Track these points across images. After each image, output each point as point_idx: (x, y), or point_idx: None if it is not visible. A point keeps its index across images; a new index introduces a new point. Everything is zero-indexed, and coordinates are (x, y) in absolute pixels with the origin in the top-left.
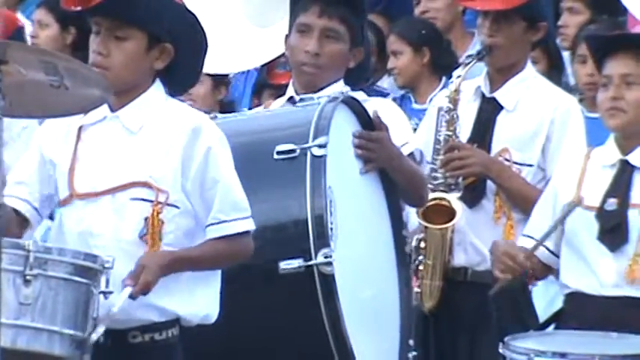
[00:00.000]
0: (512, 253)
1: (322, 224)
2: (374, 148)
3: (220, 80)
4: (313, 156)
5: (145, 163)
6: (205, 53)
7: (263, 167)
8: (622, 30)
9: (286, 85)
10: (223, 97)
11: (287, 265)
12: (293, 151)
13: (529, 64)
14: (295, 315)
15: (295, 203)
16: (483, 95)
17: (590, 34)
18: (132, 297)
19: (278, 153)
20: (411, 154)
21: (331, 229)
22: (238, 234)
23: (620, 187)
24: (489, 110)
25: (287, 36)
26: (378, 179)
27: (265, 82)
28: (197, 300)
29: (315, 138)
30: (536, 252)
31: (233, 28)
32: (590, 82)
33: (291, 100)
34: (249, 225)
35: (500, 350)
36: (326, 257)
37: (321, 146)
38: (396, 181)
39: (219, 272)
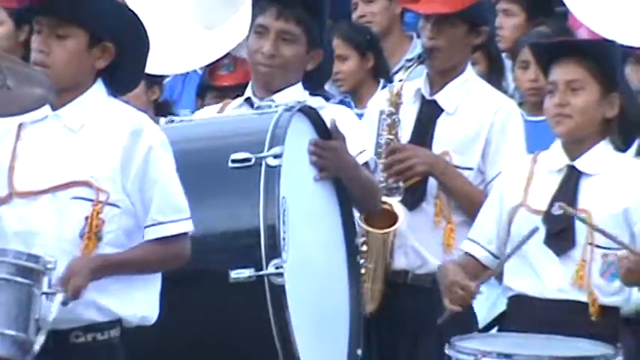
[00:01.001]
0: (462, 284)
1: (274, 235)
2: (329, 156)
3: (153, 80)
4: (268, 166)
5: (85, 163)
6: (147, 53)
7: (218, 175)
8: (568, 34)
9: (229, 87)
10: (157, 98)
11: (238, 274)
12: (248, 159)
13: (469, 67)
14: (244, 324)
15: (248, 213)
16: (423, 97)
17: (534, 41)
18: (64, 303)
19: (233, 161)
20: (366, 163)
21: (284, 238)
22: (175, 236)
23: (567, 192)
24: (429, 113)
25: (248, 37)
26: (333, 187)
27: (208, 84)
28: (135, 301)
29: (270, 147)
30: (478, 256)
31: (176, 29)
32: (532, 87)
33: (248, 100)
34: (188, 227)
35: (447, 351)
36: (277, 268)
37: (276, 156)
38: (351, 190)
39: (158, 274)
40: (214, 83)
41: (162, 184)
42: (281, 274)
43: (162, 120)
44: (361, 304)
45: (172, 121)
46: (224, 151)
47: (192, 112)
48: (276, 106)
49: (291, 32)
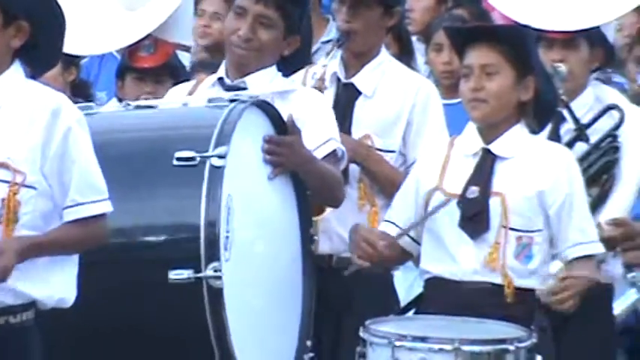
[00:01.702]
0: (371, 240)
1: (214, 237)
2: (284, 153)
3: (70, 61)
4: (212, 166)
5: (3, 144)
6: (64, 33)
7: (162, 171)
8: (484, 18)
9: (150, 69)
10: (74, 79)
11: (176, 274)
12: (192, 159)
13: (383, 49)
14: (181, 324)
15: (190, 213)
16: (339, 81)
17: (449, 24)
18: None
19: (178, 159)
20: (333, 152)
21: (227, 237)
22: (94, 217)
23: (481, 175)
24: (347, 96)
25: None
26: (290, 182)
27: (128, 65)
28: (52, 283)
29: (216, 147)
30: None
31: (98, 9)
32: (446, 70)
33: (220, 80)
34: (106, 207)
35: (361, 334)
36: (215, 271)
37: (220, 157)
38: (308, 184)
39: (75, 255)
40: (134, 65)
41: (81, 165)
42: (219, 277)
43: (117, 103)
44: (313, 296)
45: (128, 105)
46: (170, 146)
47: (110, 94)
48: (230, 99)
49: (269, 17)
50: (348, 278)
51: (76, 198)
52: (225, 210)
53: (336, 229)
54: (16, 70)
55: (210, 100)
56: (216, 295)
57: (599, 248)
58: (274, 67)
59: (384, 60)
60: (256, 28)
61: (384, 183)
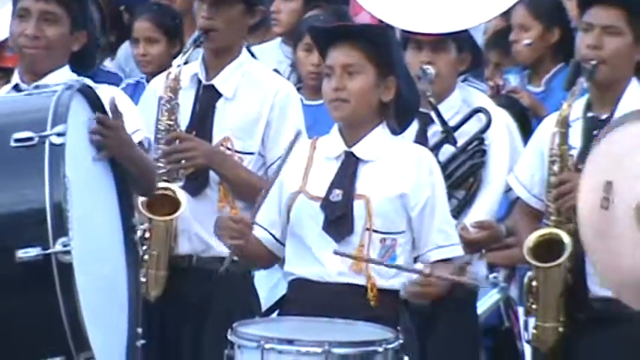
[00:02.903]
0: (236, 218)
1: (61, 213)
2: (109, 135)
3: None
4: (52, 144)
5: None
6: None
7: (0, 154)
8: (345, 19)
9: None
10: None
11: (24, 253)
12: (31, 139)
13: (244, 50)
14: (30, 304)
15: (34, 192)
16: (200, 82)
17: (312, 24)
18: None
19: (16, 141)
20: (141, 142)
21: (68, 217)
22: None
23: (345, 178)
24: (208, 98)
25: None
26: (109, 168)
27: None
28: None
29: (53, 126)
30: (262, 238)
31: None
32: (314, 71)
33: (16, 87)
34: None
35: (229, 337)
36: (64, 246)
37: (59, 134)
38: (128, 170)
39: None
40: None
41: None
42: (68, 252)
43: None
44: (139, 285)
45: None
46: (6, 131)
47: None
48: (55, 86)
49: (52, 12)
50: (208, 279)
51: None
52: (66, 189)
53: (195, 229)
54: None
55: (36, 87)
56: (67, 270)
57: (459, 251)
58: (67, 67)
59: (245, 61)
60: (42, 26)
61: (241, 187)
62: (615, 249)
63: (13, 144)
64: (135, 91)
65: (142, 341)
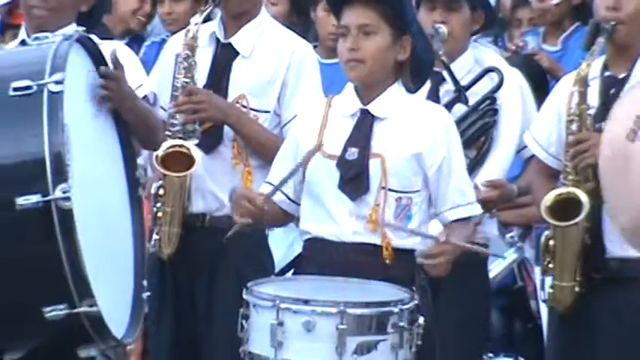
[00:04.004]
0: (250, 196)
1: (60, 160)
2: (112, 86)
3: None
4: (50, 92)
5: None
6: None
7: None
8: None
9: None
10: None
11: (24, 200)
12: (29, 87)
13: (263, 10)
14: (32, 252)
15: (32, 140)
16: (218, 41)
17: None
18: None
19: (14, 89)
20: (145, 97)
21: (68, 165)
22: None
23: (360, 136)
24: (225, 56)
25: None
26: (112, 121)
27: (7, 23)
28: None
29: (51, 74)
30: (276, 199)
31: None
32: (334, 32)
33: (23, 43)
34: None
35: (245, 296)
36: (64, 192)
37: (57, 82)
38: (131, 123)
39: None
40: (13, 22)
41: None
42: (68, 199)
43: None
44: (144, 237)
45: None
46: (4, 81)
47: None
48: (54, 36)
49: None
50: (222, 237)
51: None
52: (65, 137)
53: (209, 187)
54: None
55: (35, 39)
56: (67, 216)
57: (477, 210)
58: (74, 25)
59: (264, 20)
60: None
61: (256, 144)
62: (631, 184)
63: (11, 93)
64: (160, 50)
65: (148, 293)
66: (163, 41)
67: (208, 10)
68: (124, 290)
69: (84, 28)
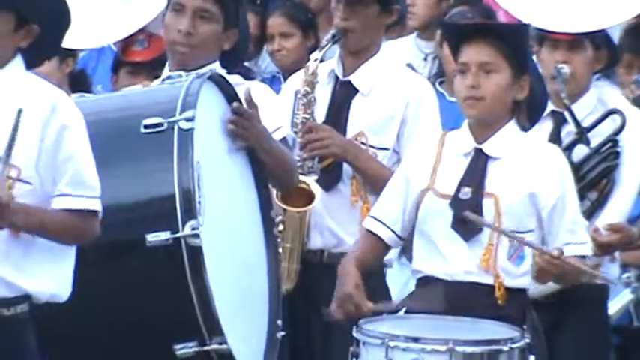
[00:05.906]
0: (358, 303)
1: (190, 197)
2: (246, 125)
3: (67, 53)
4: (180, 129)
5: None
6: (67, 30)
7: (130, 142)
8: (492, 18)
9: (143, 63)
10: (72, 70)
11: (154, 237)
12: (160, 124)
13: (382, 46)
14: (162, 289)
15: (163, 177)
16: (337, 78)
17: (446, 21)
18: None
19: (145, 127)
20: (284, 139)
21: (199, 202)
22: (83, 211)
23: (474, 176)
24: (344, 93)
25: (163, 15)
26: (247, 160)
27: (122, 60)
28: (46, 277)
29: (182, 112)
30: (382, 235)
31: (94, 2)
32: None
33: (168, 78)
34: (96, 205)
35: (355, 334)
36: (193, 229)
37: (188, 120)
38: (265, 163)
39: (72, 251)
40: (128, 59)
41: (76, 161)
42: (197, 235)
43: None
44: (279, 276)
45: (83, 96)
46: (136, 119)
47: (106, 87)
48: (187, 76)
49: (208, 10)
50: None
51: (66, 190)
52: (195, 174)
53: (327, 224)
54: (18, 63)
55: (168, 78)
56: (196, 253)
57: (587, 250)
58: (217, 63)
59: (383, 58)
60: (197, 22)
61: (374, 182)
62: None
63: (143, 130)
64: (270, 86)
65: (282, 333)
66: (274, 77)
67: (327, 48)
68: (257, 329)
69: (225, 68)
